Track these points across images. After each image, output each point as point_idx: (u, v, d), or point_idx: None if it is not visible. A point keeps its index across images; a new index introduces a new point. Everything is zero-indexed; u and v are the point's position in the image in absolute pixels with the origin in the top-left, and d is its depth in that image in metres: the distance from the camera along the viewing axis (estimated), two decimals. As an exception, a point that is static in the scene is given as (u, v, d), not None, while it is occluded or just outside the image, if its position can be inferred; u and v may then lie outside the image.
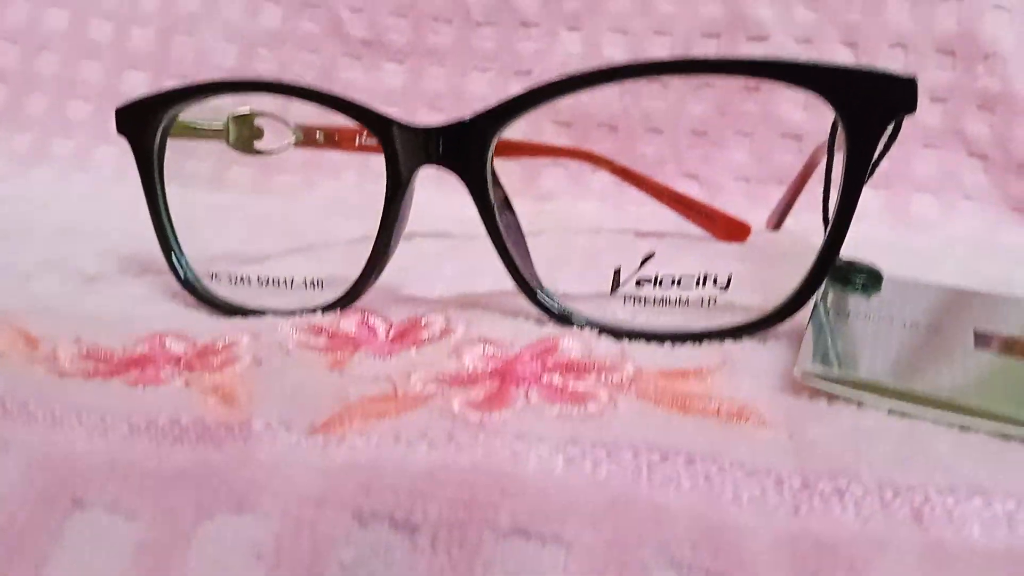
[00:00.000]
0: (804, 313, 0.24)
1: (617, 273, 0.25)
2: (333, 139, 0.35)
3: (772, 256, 0.35)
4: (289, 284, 0.29)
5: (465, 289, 0.30)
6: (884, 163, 0.24)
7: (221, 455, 0.19)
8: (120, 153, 0.29)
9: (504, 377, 0.22)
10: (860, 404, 0.20)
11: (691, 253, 0.36)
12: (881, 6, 0.45)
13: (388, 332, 0.26)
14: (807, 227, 0.30)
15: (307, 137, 0.34)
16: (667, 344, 0.24)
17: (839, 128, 0.22)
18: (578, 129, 0.49)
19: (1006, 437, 0.19)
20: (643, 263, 0.25)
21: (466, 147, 0.25)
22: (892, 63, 0.45)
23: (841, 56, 0.46)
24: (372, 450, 0.19)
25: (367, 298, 0.28)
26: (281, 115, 0.33)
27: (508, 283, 0.26)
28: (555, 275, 0.29)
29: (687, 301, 0.25)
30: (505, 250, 0.25)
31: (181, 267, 0.29)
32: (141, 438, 0.19)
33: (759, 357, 0.23)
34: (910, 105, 0.21)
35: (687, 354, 0.24)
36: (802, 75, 0.22)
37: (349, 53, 0.51)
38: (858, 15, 0.46)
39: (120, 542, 0.17)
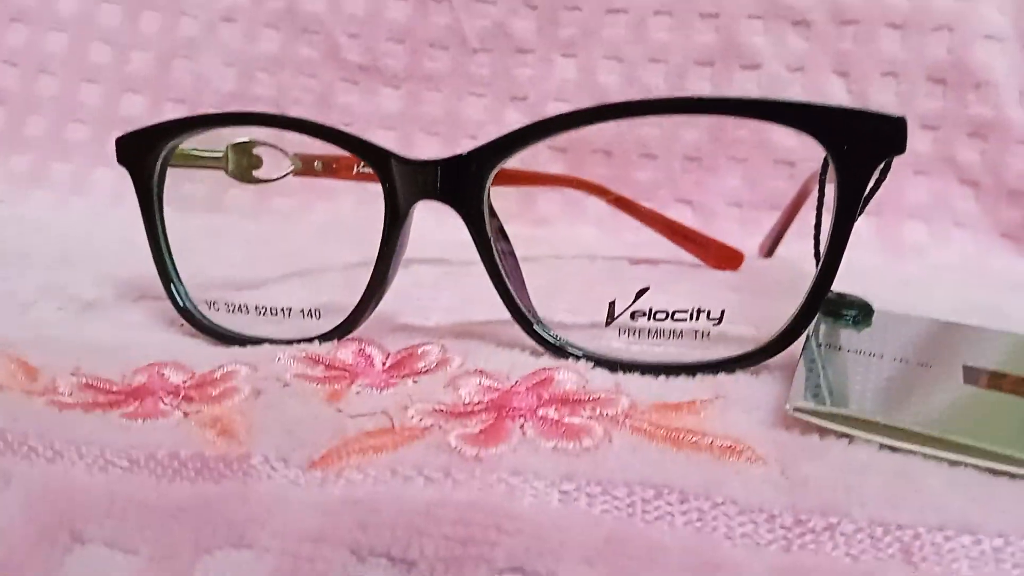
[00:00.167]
0: (796, 345, 0.25)
1: (612, 305, 0.26)
2: (331, 168, 0.35)
3: (765, 285, 0.35)
4: (287, 313, 0.29)
5: (461, 318, 0.30)
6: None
7: (220, 490, 0.19)
8: (118, 176, 0.29)
9: (500, 410, 0.22)
10: (851, 439, 0.21)
11: (685, 281, 0.37)
12: (873, 35, 0.46)
13: (385, 362, 0.26)
14: (799, 254, 0.30)
15: (305, 166, 0.35)
16: (661, 376, 0.25)
17: (830, 165, 0.23)
18: (574, 155, 0.49)
19: (995, 472, 0.19)
20: (638, 296, 0.25)
21: (464, 182, 0.25)
22: (884, 92, 0.46)
23: (833, 85, 0.46)
24: (369, 486, 0.19)
25: (364, 326, 0.28)
26: (280, 144, 0.34)
27: (504, 312, 0.26)
28: (550, 304, 0.29)
29: (681, 333, 0.26)
30: (502, 282, 0.26)
31: (180, 296, 0.29)
32: (140, 472, 0.20)
33: (752, 390, 0.24)
34: (899, 146, 0.22)
35: (681, 386, 0.24)
36: (792, 115, 0.22)
37: (346, 78, 0.51)
38: (850, 44, 0.46)
39: (120, 577, 0.18)
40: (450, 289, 0.35)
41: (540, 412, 0.22)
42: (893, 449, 0.20)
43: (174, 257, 0.30)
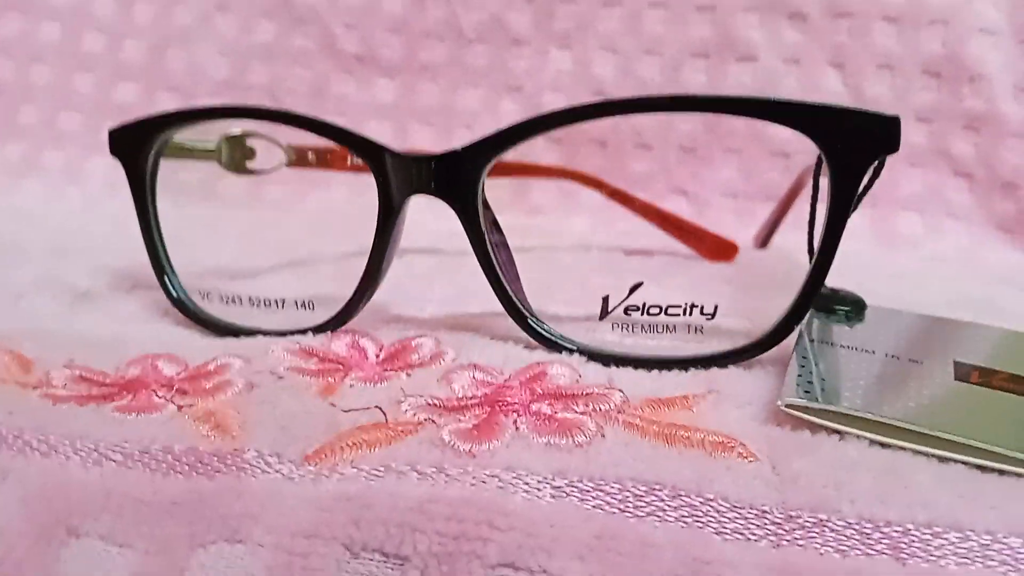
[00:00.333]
0: (789, 340, 0.25)
1: (606, 300, 0.26)
2: (325, 159, 0.35)
3: (759, 278, 0.36)
4: (280, 304, 0.29)
5: (455, 310, 0.30)
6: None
7: (214, 485, 0.19)
8: (111, 165, 0.29)
9: (493, 405, 0.22)
10: (842, 435, 0.21)
11: (679, 273, 0.37)
12: (868, 28, 0.46)
13: (378, 354, 0.26)
14: (794, 244, 0.30)
15: (299, 157, 0.35)
16: (654, 370, 0.25)
17: (823, 163, 0.23)
18: (569, 145, 0.49)
19: (983, 469, 0.20)
20: (632, 291, 0.25)
21: (458, 177, 0.25)
22: (878, 84, 0.46)
23: (828, 77, 0.46)
24: (363, 481, 0.19)
25: (357, 318, 0.28)
26: (273, 136, 0.34)
27: (498, 304, 0.26)
28: (544, 296, 0.29)
29: (674, 327, 0.26)
30: (496, 276, 0.26)
31: (173, 288, 0.29)
32: (135, 467, 0.20)
33: (744, 385, 0.24)
34: (893, 145, 0.22)
35: (674, 380, 0.24)
36: (786, 114, 0.23)
37: (342, 68, 0.51)
38: (845, 37, 0.46)
39: (116, 572, 0.18)
40: (444, 280, 0.35)
41: (533, 407, 0.22)
42: (883, 445, 0.20)
43: (167, 247, 0.30)
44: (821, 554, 0.18)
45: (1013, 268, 0.42)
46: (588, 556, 0.17)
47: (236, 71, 0.52)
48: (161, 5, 0.52)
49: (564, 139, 0.49)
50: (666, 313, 0.25)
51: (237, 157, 0.33)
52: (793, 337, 0.25)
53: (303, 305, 0.29)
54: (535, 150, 0.48)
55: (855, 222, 0.23)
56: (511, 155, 0.25)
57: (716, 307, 0.25)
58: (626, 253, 0.41)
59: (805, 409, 0.21)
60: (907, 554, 0.18)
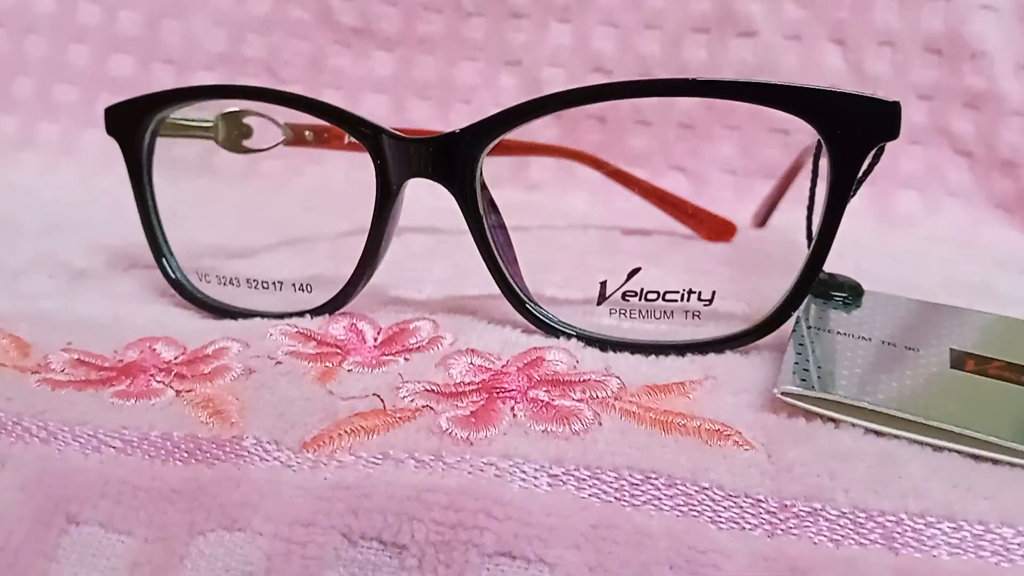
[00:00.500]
0: (787, 325, 0.25)
1: (604, 285, 0.26)
2: (322, 137, 0.35)
3: (757, 259, 0.35)
4: (278, 286, 0.29)
5: (453, 291, 0.30)
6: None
7: (212, 473, 0.19)
8: (107, 138, 0.29)
9: (491, 392, 0.22)
10: (837, 423, 0.21)
11: (677, 254, 0.37)
12: (869, 4, 0.45)
13: (376, 338, 0.26)
14: (792, 223, 0.30)
15: (296, 135, 0.34)
16: (651, 356, 0.25)
17: (823, 148, 0.23)
18: (567, 120, 0.49)
19: (977, 458, 0.20)
20: (630, 277, 0.25)
21: (456, 161, 0.25)
22: (879, 61, 0.46)
23: (829, 53, 0.46)
24: (361, 469, 0.19)
25: (355, 299, 0.28)
26: (270, 113, 0.33)
27: (496, 287, 0.26)
28: (542, 278, 0.29)
29: (671, 313, 0.26)
30: (493, 260, 0.26)
31: (171, 269, 0.29)
32: (134, 454, 0.20)
33: (741, 371, 0.24)
34: (893, 131, 0.22)
35: (671, 366, 0.24)
36: (786, 98, 0.22)
37: (339, 41, 0.51)
38: (846, 13, 0.46)
39: (115, 559, 0.18)
40: (442, 260, 0.35)
41: (531, 394, 0.22)
42: (878, 433, 0.21)
43: (164, 226, 0.30)
44: (815, 543, 0.18)
45: (1012, 249, 0.42)
46: (584, 545, 0.17)
47: (232, 43, 0.51)
48: (156, -24, 0.51)
49: (563, 115, 0.49)
50: (664, 299, 0.25)
51: (234, 136, 0.33)
52: (790, 323, 0.25)
53: (301, 287, 0.29)
54: (534, 125, 0.48)
55: (854, 200, 0.23)
56: (510, 132, 0.25)
57: (714, 293, 0.25)
58: (624, 233, 0.41)
59: (801, 397, 0.21)
60: (900, 544, 0.18)
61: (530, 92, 0.49)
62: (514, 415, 0.21)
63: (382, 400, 0.21)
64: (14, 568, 0.17)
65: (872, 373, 0.22)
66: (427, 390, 0.22)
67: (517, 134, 0.25)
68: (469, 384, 0.23)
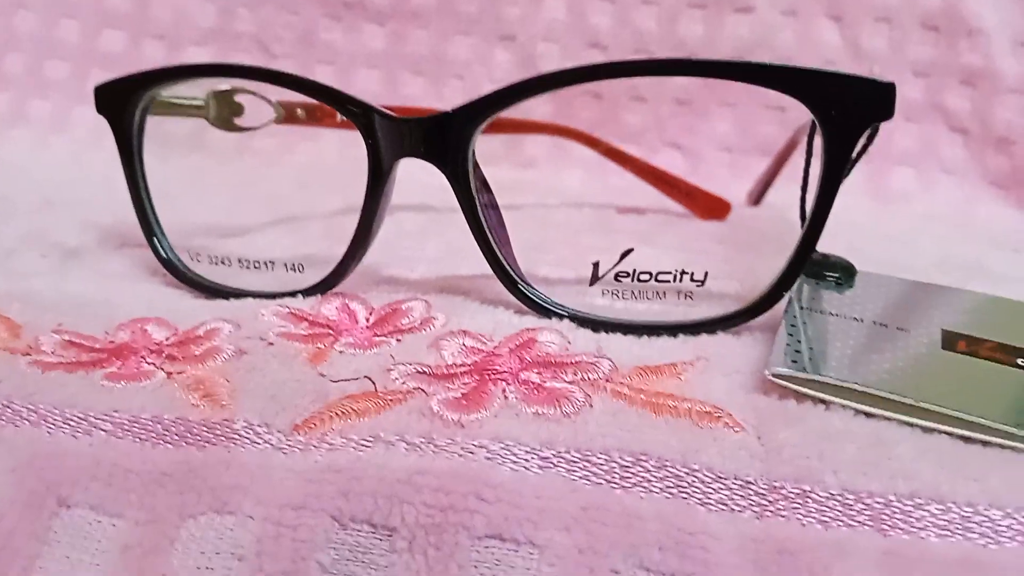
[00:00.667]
0: (779, 305, 0.25)
1: (596, 266, 0.26)
2: (314, 116, 0.34)
3: (751, 237, 0.35)
4: (270, 266, 0.29)
5: (446, 270, 0.30)
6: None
7: (203, 456, 0.19)
8: (98, 115, 0.29)
9: (483, 373, 0.22)
10: (828, 405, 0.21)
11: (671, 232, 0.37)
12: (867, -20, 0.45)
13: (368, 318, 0.26)
14: (787, 201, 0.30)
15: (288, 114, 0.34)
16: (643, 336, 0.25)
17: (817, 128, 0.22)
18: (562, 97, 0.48)
19: (967, 440, 0.20)
20: (622, 257, 0.25)
21: (448, 141, 0.25)
22: (876, 37, 0.45)
23: (825, 30, 0.46)
24: (351, 452, 0.19)
25: (347, 279, 0.28)
26: (262, 92, 0.33)
27: (488, 267, 0.26)
28: (535, 258, 0.29)
29: (664, 293, 0.26)
30: (486, 240, 0.25)
31: (162, 248, 0.29)
32: (125, 436, 0.20)
33: (733, 352, 0.24)
34: (887, 111, 0.21)
35: (663, 346, 0.24)
36: (780, 78, 0.22)
37: (330, 14, 0.50)
38: (844, -12, 0.45)
39: (106, 542, 0.18)
40: (435, 239, 0.35)
41: (522, 376, 0.22)
42: (868, 415, 0.21)
43: (155, 204, 0.30)
44: (803, 525, 0.18)
45: (1005, 227, 0.42)
46: (574, 527, 0.17)
47: (223, 18, 0.51)
48: (146, -50, 0.51)
49: (558, 92, 0.48)
50: (656, 279, 0.25)
51: (225, 114, 0.33)
52: (783, 303, 0.25)
53: (293, 267, 0.29)
54: (529, 103, 0.48)
55: (849, 176, 0.23)
56: (503, 111, 0.25)
57: (706, 273, 0.25)
58: (618, 211, 0.41)
59: (792, 379, 0.21)
60: (888, 525, 0.18)
61: (524, 67, 0.49)
62: (505, 397, 0.21)
63: (373, 382, 0.21)
64: (5, 551, 0.17)
65: (863, 354, 0.22)
66: (419, 372, 0.22)
67: (511, 112, 0.25)
68: (461, 366, 0.23)
